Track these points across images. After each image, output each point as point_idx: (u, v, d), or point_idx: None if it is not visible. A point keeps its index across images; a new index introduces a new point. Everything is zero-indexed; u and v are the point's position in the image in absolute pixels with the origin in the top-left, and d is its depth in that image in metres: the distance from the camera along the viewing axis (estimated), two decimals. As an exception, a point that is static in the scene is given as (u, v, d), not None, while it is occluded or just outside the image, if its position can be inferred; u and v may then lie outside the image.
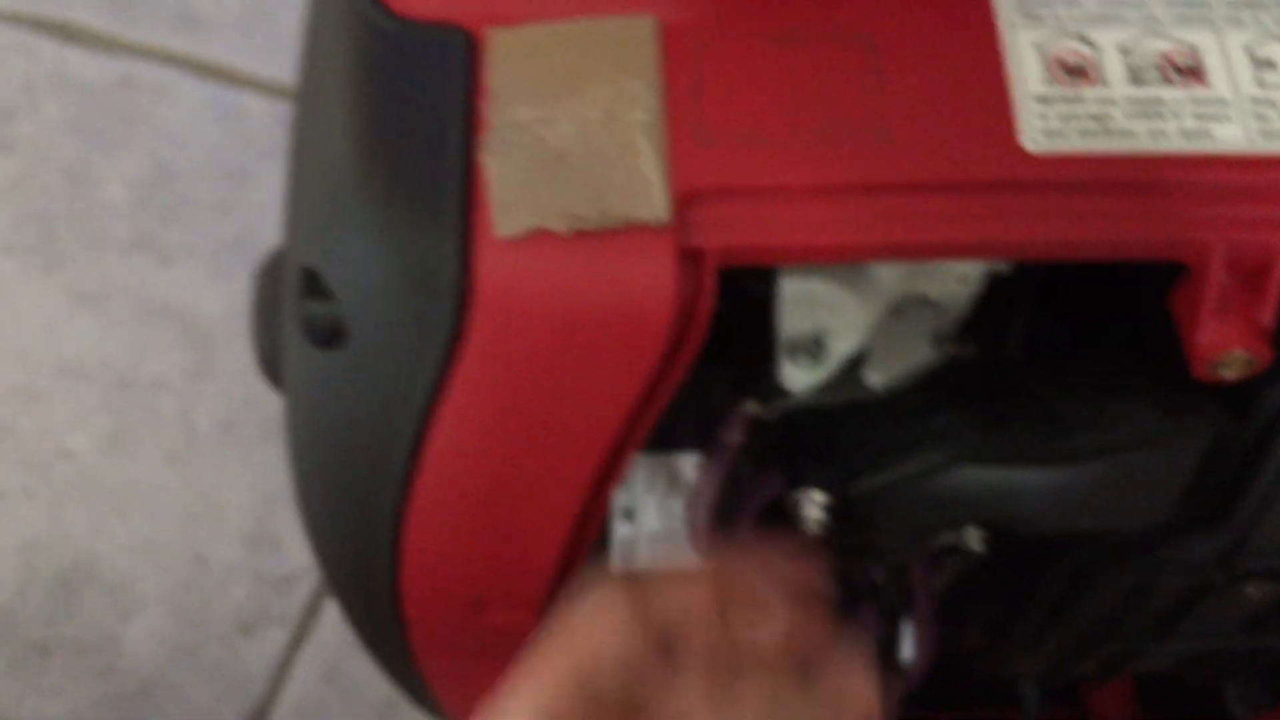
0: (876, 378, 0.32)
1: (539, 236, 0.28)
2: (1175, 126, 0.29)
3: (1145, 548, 0.37)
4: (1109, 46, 0.30)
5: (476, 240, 0.28)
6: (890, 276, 0.33)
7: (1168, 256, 0.29)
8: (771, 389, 0.35)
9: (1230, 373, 0.31)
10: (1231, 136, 0.29)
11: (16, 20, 0.89)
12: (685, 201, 0.28)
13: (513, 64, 0.29)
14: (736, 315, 0.34)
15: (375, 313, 0.29)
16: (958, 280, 0.34)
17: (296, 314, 0.32)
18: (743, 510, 0.36)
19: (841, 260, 0.29)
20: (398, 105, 0.29)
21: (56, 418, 0.75)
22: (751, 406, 0.36)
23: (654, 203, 0.28)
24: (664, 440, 0.36)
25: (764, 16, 0.30)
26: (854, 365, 0.34)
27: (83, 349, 0.76)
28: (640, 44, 0.30)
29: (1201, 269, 0.29)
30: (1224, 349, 0.30)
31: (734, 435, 0.37)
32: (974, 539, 0.36)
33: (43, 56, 0.87)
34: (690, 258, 0.29)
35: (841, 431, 0.35)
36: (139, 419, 0.74)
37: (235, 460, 0.73)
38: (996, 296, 0.35)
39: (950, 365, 0.35)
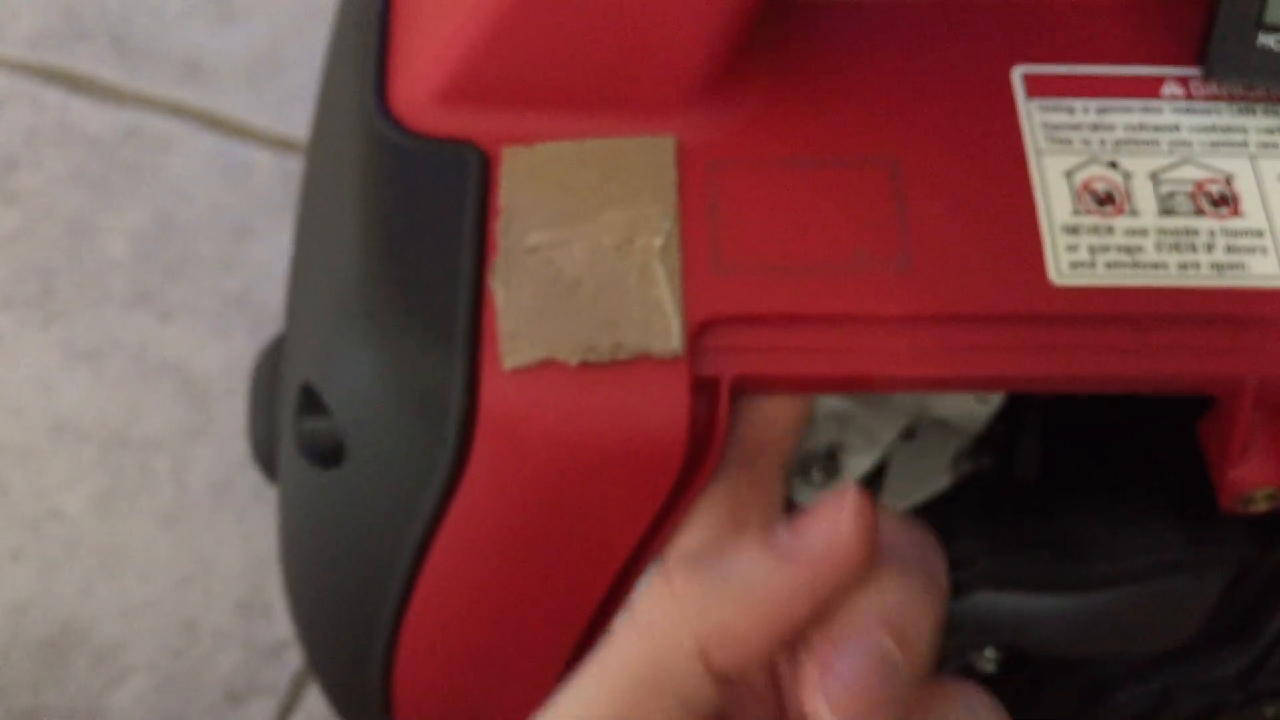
0: (891, 505, 0.31)
1: (547, 368, 0.27)
2: (1207, 259, 0.28)
3: (1164, 666, 0.36)
4: (1140, 174, 0.29)
5: (483, 367, 0.27)
6: (898, 403, 0.32)
7: (1197, 391, 0.29)
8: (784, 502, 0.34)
9: (1259, 507, 0.30)
10: (1266, 269, 0.28)
11: (23, 69, 0.89)
12: (699, 330, 0.27)
13: (526, 184, 0.29)
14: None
15: (375, 435, 0.28)
16: (978, 400, 0.33)
17: (294, 429, 0.31)
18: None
19: (859, 391, 0.28)
20: (408, 224, 0.29)
21: (49, 476, 0.73)
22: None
23: (668, 334, 0.27)
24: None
25: (785, 138, 0.29)
26: (868, 483, 0.33)
27: (79, 406, 0.75)
28: (658, 166, 0.29)
29: (1232, 404, 0.28)
30: (1253, 486, 0.29)
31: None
32: (988, 660, 0.35)
33: (48, 106, 0.87)
34: (704, 386, 0.28)
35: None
36: (133, 479, 0.73)
37: (228, 523, 0.72)
38: (1013, 410, 0.34)
39: (964, 483, 0.34)
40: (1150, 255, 0.28)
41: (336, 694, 0.36)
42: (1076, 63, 0.30)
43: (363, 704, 0.33)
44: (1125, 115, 0.30)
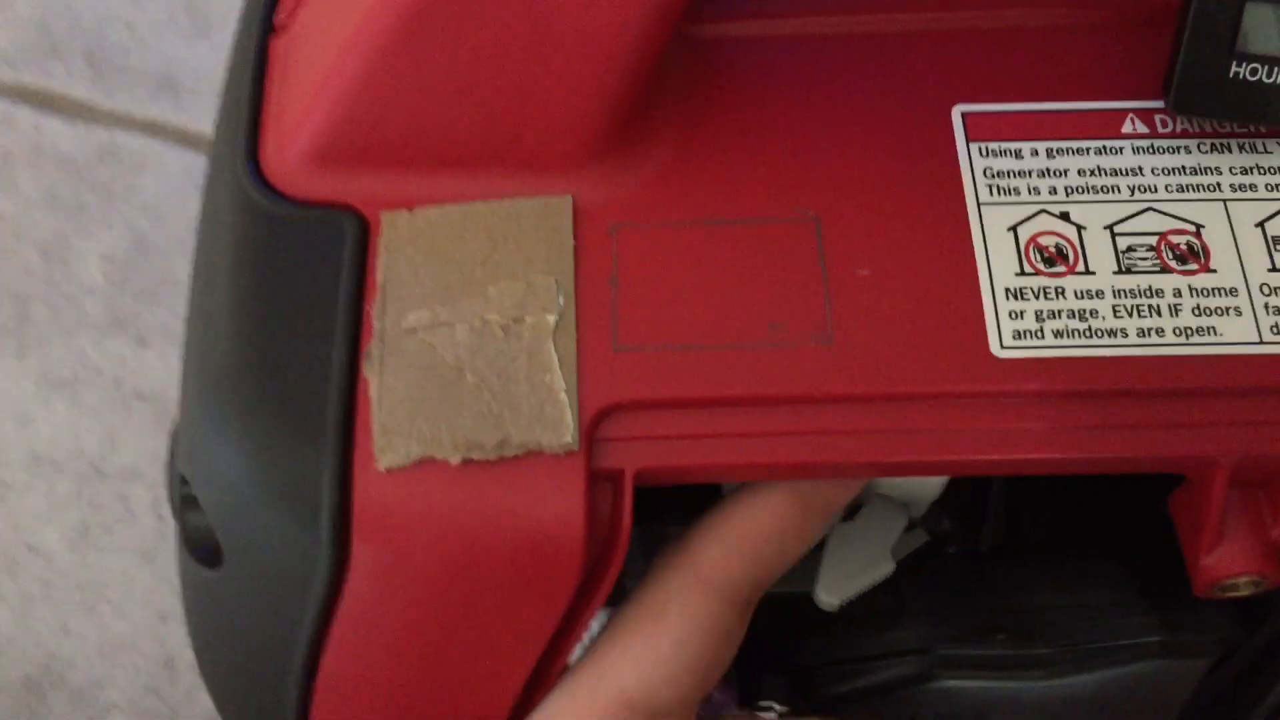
0: (828, 598, 0.29)
1: (426, 464, 0.24)
2: (1172, 324, 0.25)
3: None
4: (1095, 226, 0.26)
5: (355, 466, 0.24)
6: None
7: (1163, 469, 0.25)
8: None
9: (1240, 593, 0.26)
10: (1240, 333, 0.25)
11: (-3, 89, 0.87)
12: (597, 418, 0.25)
13: (406, 255, 0.26)
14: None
15: (246, 535, 0.26)
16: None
17: (177, 521, 0.28)
18: None
19: (779, 479, 0.25)
20: (279, 302, 0.26)
21: (26, 511, 0.72)
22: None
23: (561, 426, 0.24)
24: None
25: (695, 196, 0.26)
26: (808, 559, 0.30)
27: (55, 437, 0.74)
28: (553, 230, 0.26)
29: (1204, 485, 0.25)
30: (1230, 575, 0.26)
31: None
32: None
33: (21, 126, 0.85)
34: (604, 479, 0.25)
35: (798, 637, 0.31)
36: (111, 511, 0.71)
37: (207, 557, 0.70)
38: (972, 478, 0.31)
39: (920, 555, 0.31)
40: (1106, 320, 0.25)
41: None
42: (1024, 100, 0.27)
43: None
44: (1079, 158, 0.27)
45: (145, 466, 0.73)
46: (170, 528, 0.71)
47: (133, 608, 0.70)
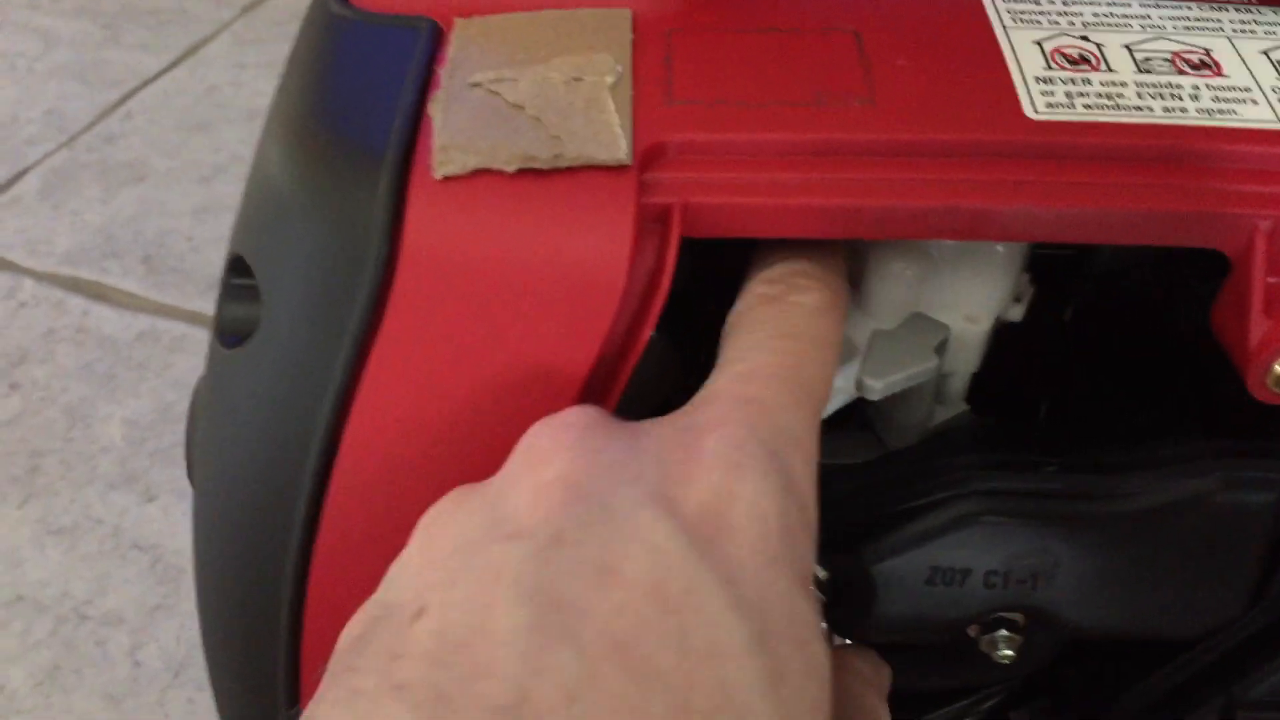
0: (872, 383, 0.28)
1: (482, 180, 0.25)
2: (1194, 105, 0.27)
3: (1222, 676, 0.30)
4: (1113, 44, 0.28)
5: (411, 183, 0.25)
6: (886, 311, 0.29)
7: (1201, 241, 0.26)
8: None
9: (1299, 390, 0.26)
10: (1259, 115, 0.26)
11: (51, 280, 0.92)
12: (650, 154, 0.26)
13: (477, 41, 0.28)
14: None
15: (295, 281, 0.26)
16: (966, 318, 0.30)
17: (215, 325, 0.28)
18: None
19: (820, 232, 0.26)
20: (351, 71, 0.28)
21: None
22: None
23: (615, 145, 0.25)
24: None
25: (744, 12, 0.29)
26: (847, 416, 0.30)
27: (44, 579, 0.71)
28: (613, 27, 0.28)
29: (1244, 254, 0.26)
30: (1282, 348, 0.25)
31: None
32: (1003, 644, 0.29)
33: (70, 310, 0.89)
34: (653, 217, 0.25)
35: (831, 486, 0.29)
36: (84, 654, 0.67)
37: (179, 704, 0.65)
38: (1017, 355, 0.31)
39: (961, 423, 0.30)
40: (1132, 101, 0.27)
41: (233, 634, 0.30)
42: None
43: (269, 624, 0.28)
44: (1091, 4, 0.29)
45: (130, 613, 0.69)
46: (146, 675, 0.67)
47: (90, 758, 0.64)
